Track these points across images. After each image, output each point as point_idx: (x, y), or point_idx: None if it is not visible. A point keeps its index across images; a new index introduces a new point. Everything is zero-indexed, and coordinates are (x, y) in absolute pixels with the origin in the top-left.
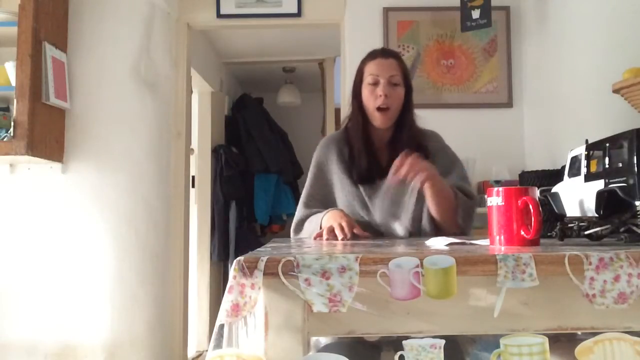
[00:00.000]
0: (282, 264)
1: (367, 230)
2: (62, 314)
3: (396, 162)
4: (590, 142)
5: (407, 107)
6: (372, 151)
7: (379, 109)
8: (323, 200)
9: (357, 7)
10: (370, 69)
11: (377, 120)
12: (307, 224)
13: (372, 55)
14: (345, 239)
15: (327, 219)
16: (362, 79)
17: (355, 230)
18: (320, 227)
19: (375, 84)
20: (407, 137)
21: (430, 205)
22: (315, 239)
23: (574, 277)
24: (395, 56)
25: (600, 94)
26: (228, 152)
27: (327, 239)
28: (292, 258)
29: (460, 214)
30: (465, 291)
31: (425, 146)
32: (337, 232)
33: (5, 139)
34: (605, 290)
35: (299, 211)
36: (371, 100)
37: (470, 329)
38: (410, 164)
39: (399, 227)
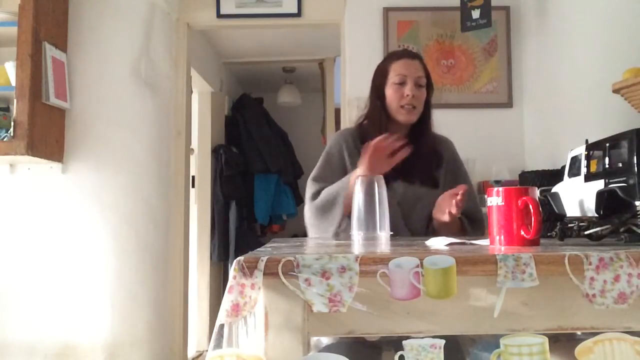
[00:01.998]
0: (282, 264)
1: None
2: (62, 314)
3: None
4: (590, 142)
5: (427, 108)
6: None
7: (403, 106)
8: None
9: (357, 7)
10: (397, 68)
11: (403, 115)
12: (326, 191)
13: (397, 56)
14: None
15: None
16: (387, 78)
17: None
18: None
19: (402, 83)
20: (423, 138)
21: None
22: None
23: (574, 277)
24: (420, 58)
25: (600, 94)
26: (228, 152)
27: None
28: (292, 258)
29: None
30: (465, 291)
31: (440, 153)
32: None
33: (5, 139)
34: (605, 290)
35: (313, 186)
36: (396, 98)
37: (470, 329)
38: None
39: (406, 230)
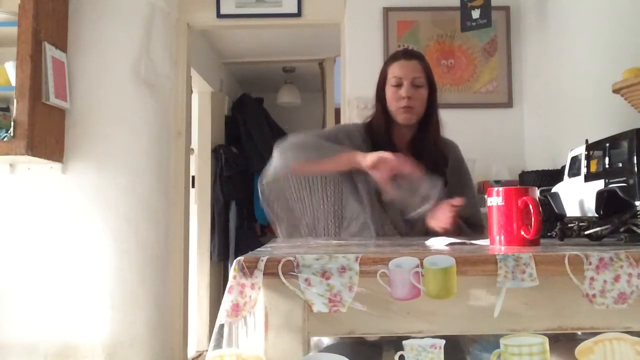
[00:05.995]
0: (282, 264)
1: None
2: (62, 313)
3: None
4: (590, 142)
5: (431, 107)
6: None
7: (401, 108)
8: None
9: (357, 7)
10: (394, 70)
11: (400, 116)
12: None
13: (395, 57)
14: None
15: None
16: (386, 81)
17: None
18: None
19: (398, 85)
20: (429, 139)
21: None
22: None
23: (574, 277)
24: (419, 57)
25: (600, 94)
26: (228, 152)
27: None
28: (292, 258)
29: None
30: (465, 291)
31: (445, 156)
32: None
33: (5, 139)
34: (605, 290)
35: (302, 136)
36: (394, 101)
37: (470, 329)
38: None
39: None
